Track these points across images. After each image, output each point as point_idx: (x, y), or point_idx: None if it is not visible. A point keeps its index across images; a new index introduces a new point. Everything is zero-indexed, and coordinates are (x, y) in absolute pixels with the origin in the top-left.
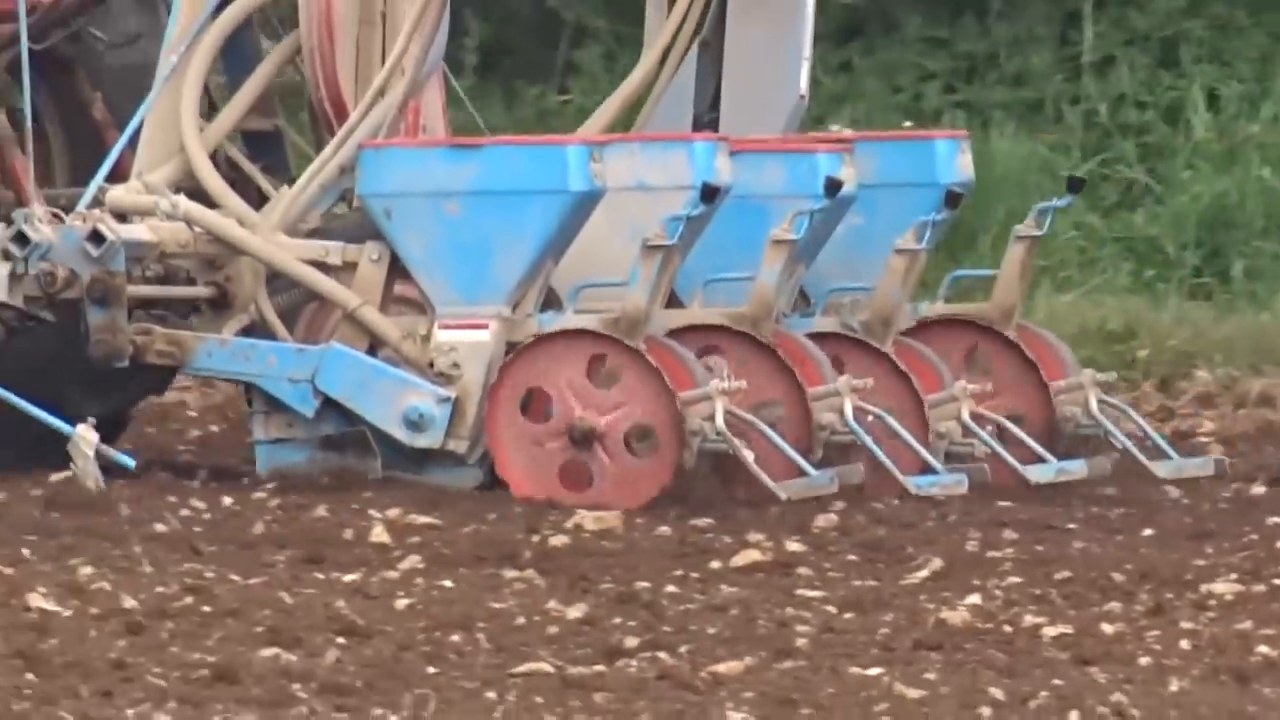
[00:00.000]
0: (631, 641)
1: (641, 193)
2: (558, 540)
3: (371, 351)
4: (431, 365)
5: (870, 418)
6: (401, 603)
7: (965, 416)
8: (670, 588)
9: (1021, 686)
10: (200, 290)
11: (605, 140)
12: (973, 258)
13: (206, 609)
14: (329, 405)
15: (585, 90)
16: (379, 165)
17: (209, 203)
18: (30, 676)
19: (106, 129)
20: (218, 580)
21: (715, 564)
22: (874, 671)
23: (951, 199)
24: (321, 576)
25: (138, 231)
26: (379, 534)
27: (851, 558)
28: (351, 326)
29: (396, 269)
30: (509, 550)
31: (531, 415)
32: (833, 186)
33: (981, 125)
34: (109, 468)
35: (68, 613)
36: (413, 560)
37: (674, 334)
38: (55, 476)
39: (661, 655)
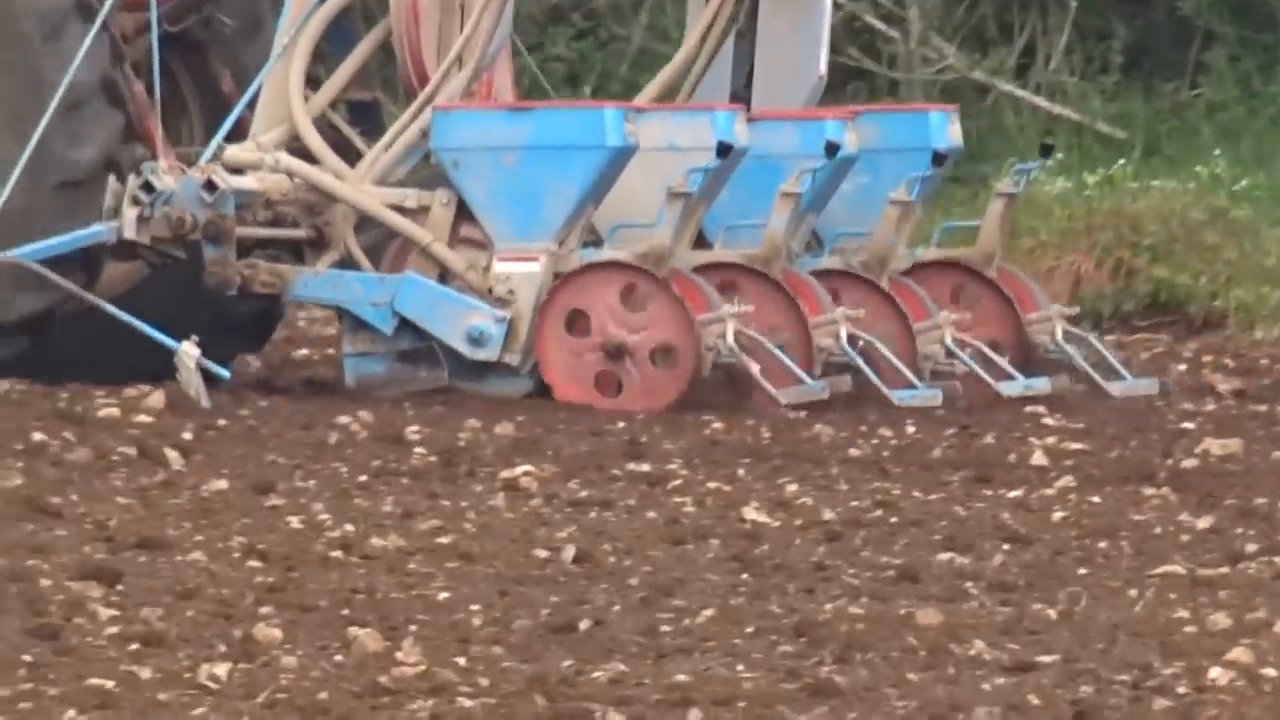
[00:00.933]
0: (1251, 548)
1: (672, 152)
2: (1189, 463)
3: (441, 280)
4: (490, 291)
5: (861, 342)
6: (1057, 515)
7: (948, 341)
8: None
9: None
10: (301, 232)
11: (641, 107)
12: None
13: (893, 520)
14: (405, 325)
15: (1213, 86)
16: (449, 125)
17: (311, 160)
18: (745, 576)
19: (232, 99)
20: (902, 496)
21: None
22: None
23: (937, 159)
24: (989, 493)
25: (246, 182)
26: (1038, 458)
27: None
28: (424, 259)
29: (463, 212)
30: (1147, 471)
31: (575, 332)
32: (831, 148)
33: None
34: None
35: (776, 523)
36: (1066, 479)
37: (697, 270)
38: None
39: (1277, 560)
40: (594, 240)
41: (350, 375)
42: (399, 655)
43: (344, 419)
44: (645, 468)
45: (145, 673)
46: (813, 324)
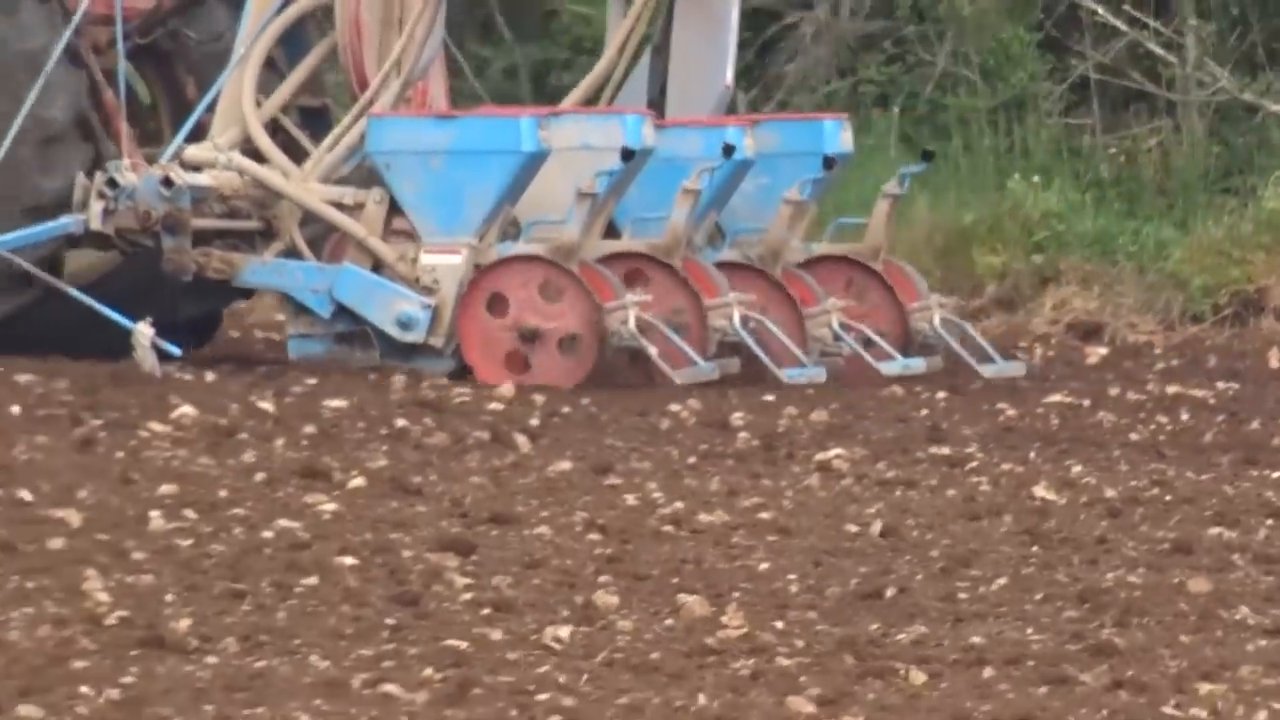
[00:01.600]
0: None
1: (587, 152)
2: None
3: (375, 270)
4: (418, 280)
5: (753, 324)
6: None
7: (835, 326)
8: None
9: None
10: (252, 224)
11: (559, 111)
12: None
13: (1168, 498)
14: (341, 310)
15: None
16: (382, 130)
17: (262, 160)
18: (1035, 549)
19: (195, 104)
20: (1177, 476)
21: None
22: None
23: (828, 163)
24: (1256, 473)
25: (201, 178)
26: None
27: None
28: (360, 251)
29: (394, 208)
30: None
31: (493, 314)
32: (727, 150)
33: None
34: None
35: (1063, 500)
36: None
37: (605, 259)
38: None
39: None
40: (514, 233)
41: (293, 354)
42: (723, 619)
43: (675, 406)
44: (945, 450)
45: (495, 635)
46: (708, 307)
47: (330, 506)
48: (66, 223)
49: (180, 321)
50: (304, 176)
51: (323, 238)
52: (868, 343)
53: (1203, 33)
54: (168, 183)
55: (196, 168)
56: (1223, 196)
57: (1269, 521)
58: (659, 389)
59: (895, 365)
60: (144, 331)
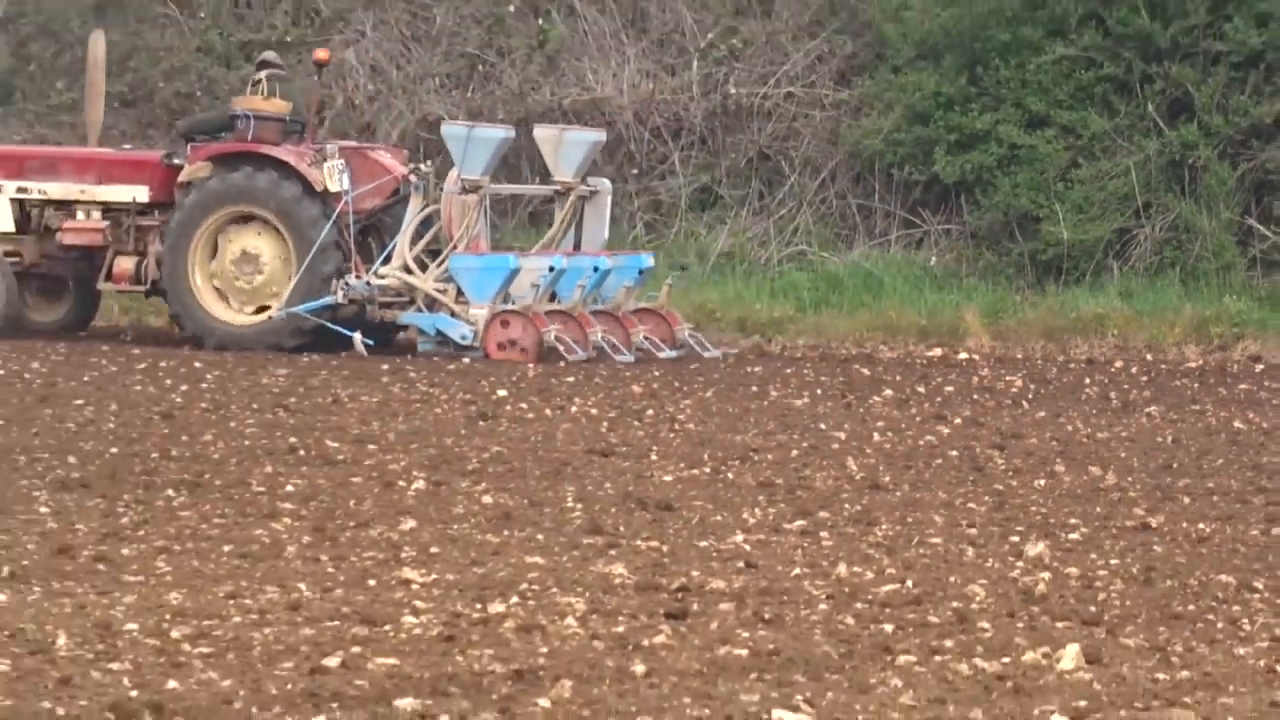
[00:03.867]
0: None
1: (542, 268)
2: None
3: (452, 315)
4: (471, 319)
5: (605, 336)
6: None
7: (642, 337)
8: None
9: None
10: (403, 299)
11: (530, 251)
12: None
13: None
14: (439, 332)
15: None
16: (460, 261)
17: (409, 272)
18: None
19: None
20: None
21: None
22: None
23: (640, 273)
24: None
25: (384, 280)
26: None
27: None
28: (445, 307)
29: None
30: None
31: (498, 331)
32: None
33: None
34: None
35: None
36: None
37: (547, 312)
38: None
39: None
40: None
41: (420, 350)
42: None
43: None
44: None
45: None
46: (589, 329)
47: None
48: (329, 300)
49: (375, 334)
50: (424, 280)
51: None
52: (656, 345)
53: None
54: (368, 284)
55: (382, 276)
56: None
57: None
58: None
59: (667, 354)
60: (358, 337)
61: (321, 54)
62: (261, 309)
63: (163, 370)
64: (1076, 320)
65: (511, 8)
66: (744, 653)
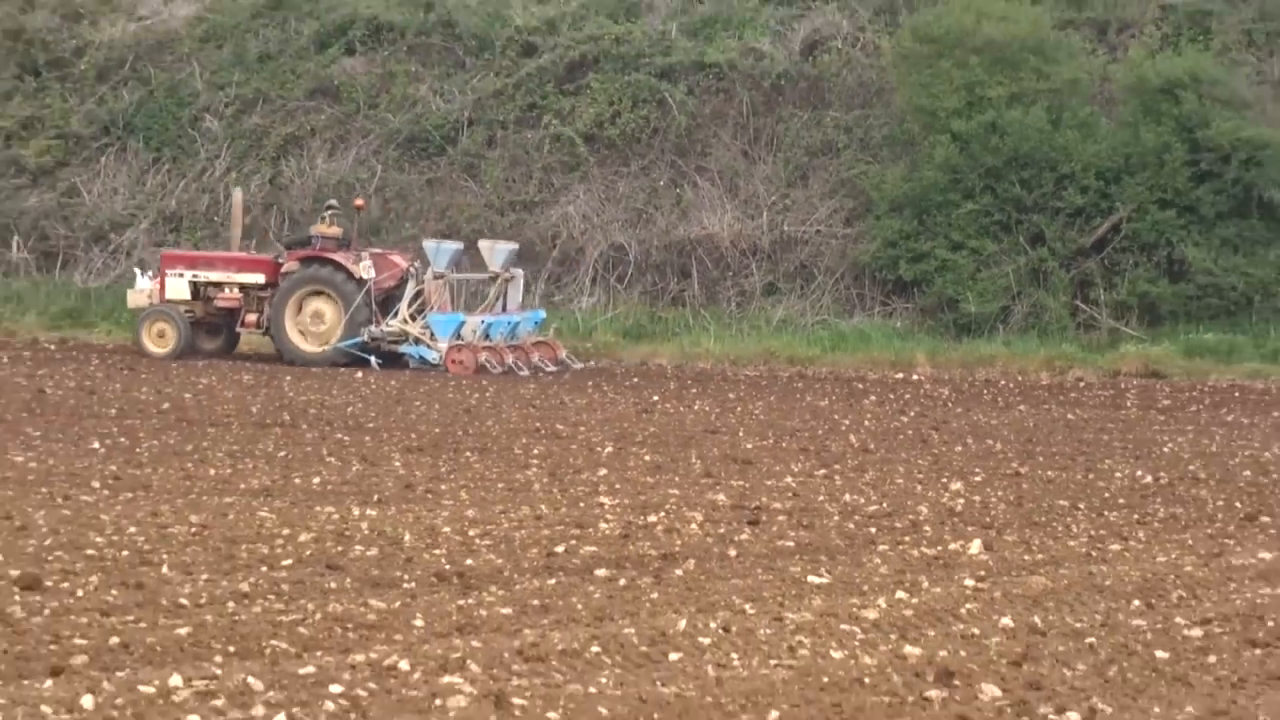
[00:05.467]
0: None
1: (489, 318)
2: None
3: (429, 346)
4: (439, 348)
5: (519, 359)
6: None
7: (537, 359)
8: None
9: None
10: (405, 340)
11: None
12: None
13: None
14: (420, 357)
15: None
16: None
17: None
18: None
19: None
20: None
21: None
22: None
23: (540, 323)
24: None
25: (392, 327)
26: None
27: None
28: (421, 343)
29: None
30: None
31: (453, 353)
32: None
33: None
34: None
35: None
36: None
37: (482, 346)
38: None
39: None
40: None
41: (412, 364)
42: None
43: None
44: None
45: None
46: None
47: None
48: (360, 339)
49: (383, 358)
50: (413, 327)
51: (415, 340)
52: (544, 363)
53: None
54: (382, 330)
55: (390, 326)
56: None
57: None
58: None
59: (552, 369)
60: (374, 360)
61: (359, 202)
62: (324, 344)
63: (465, 385)
64: (979, 358)
65: (661, 182)
66: (791, 544)
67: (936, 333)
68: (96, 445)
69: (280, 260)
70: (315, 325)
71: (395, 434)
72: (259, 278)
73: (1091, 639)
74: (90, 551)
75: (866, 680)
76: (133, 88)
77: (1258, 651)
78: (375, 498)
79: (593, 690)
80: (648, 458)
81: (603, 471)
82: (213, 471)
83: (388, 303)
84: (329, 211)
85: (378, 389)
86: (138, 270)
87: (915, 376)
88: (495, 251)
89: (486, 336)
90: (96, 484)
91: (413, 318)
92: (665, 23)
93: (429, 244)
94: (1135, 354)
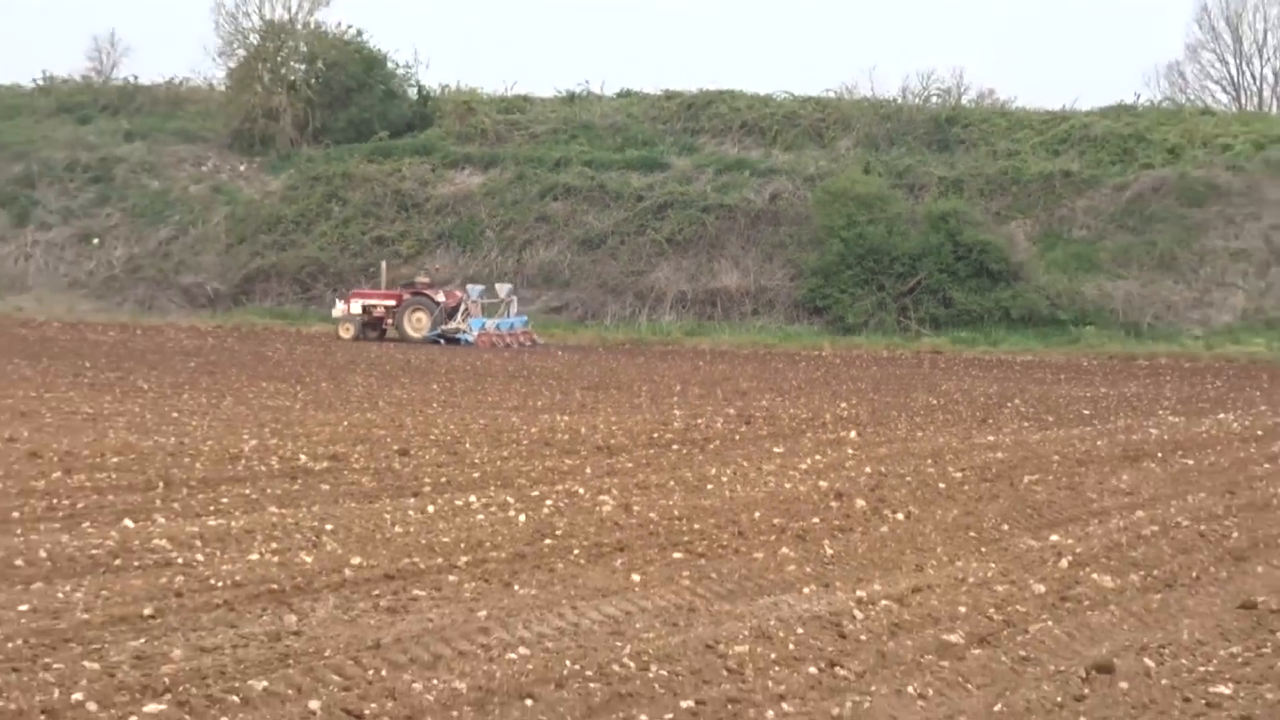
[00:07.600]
0: None
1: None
2: None
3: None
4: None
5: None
6: None
7: (522, 340)
8: None
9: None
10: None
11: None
12: None
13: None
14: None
15: None
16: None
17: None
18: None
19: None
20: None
21: None
22: None
23: (524, 326)
24: None
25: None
26: None
27: None
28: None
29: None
30: None
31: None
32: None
33: None
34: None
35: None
36: None
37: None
38: None
39: None
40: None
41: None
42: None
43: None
44: (472, 363)
45: None
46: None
47: None
48: (438, 331)
49: (446, 341)
50: (461, 324)
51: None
52: (523, 344)
53: None
54: (448, 325)
55: (451, 324)
56: None
57: None
58: (504, 352)
59: (531, 346)
60: (443, 342)
61: (423, 278)
62: (421, 334)
63: (503, 357)
64: (854, 345)
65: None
66: (765, 433)
67: (834, 332)
68: (435, 386)
69: (402, 294)
70: (417, 325)
71: (549, 379)
72: (393, 302)
73: (909, 479)
74: (432, 435)
75: (799, 498)
76: None
77: (987, 484)
78: (562, 413)
79: (670, 502)
80: (697, 390)
81: (675, 399)
82: (487, 398)
83: (451, 314)
84: (422, 273)
85: (470, 358)
86: (338, 299)
87: (823, 354)
88: (501, 288)
89: (498, 329)
90: (435, 406)
91: (462, 320)
92: (698, 171)
93: (470, 287)
94: (928, 343)
